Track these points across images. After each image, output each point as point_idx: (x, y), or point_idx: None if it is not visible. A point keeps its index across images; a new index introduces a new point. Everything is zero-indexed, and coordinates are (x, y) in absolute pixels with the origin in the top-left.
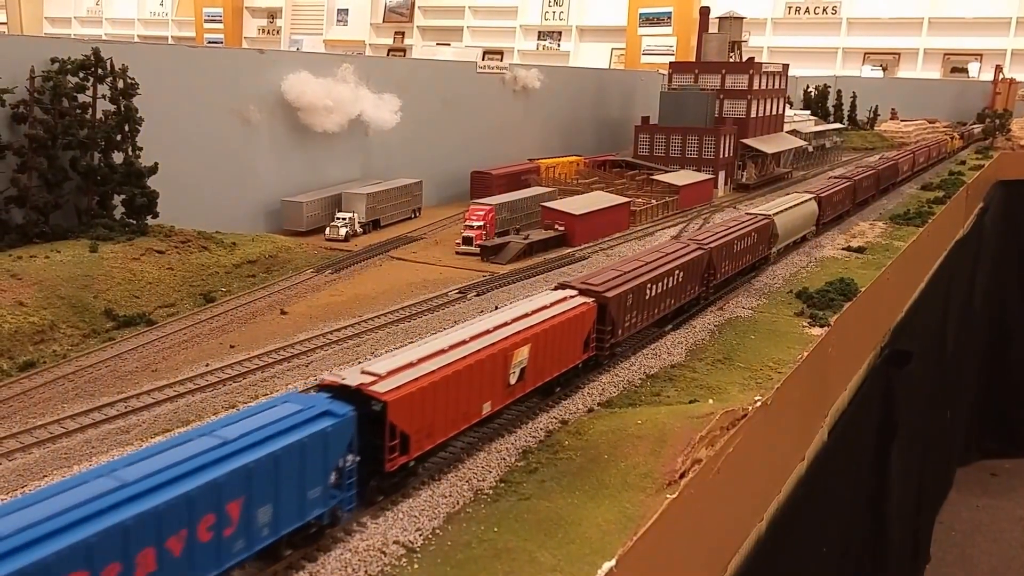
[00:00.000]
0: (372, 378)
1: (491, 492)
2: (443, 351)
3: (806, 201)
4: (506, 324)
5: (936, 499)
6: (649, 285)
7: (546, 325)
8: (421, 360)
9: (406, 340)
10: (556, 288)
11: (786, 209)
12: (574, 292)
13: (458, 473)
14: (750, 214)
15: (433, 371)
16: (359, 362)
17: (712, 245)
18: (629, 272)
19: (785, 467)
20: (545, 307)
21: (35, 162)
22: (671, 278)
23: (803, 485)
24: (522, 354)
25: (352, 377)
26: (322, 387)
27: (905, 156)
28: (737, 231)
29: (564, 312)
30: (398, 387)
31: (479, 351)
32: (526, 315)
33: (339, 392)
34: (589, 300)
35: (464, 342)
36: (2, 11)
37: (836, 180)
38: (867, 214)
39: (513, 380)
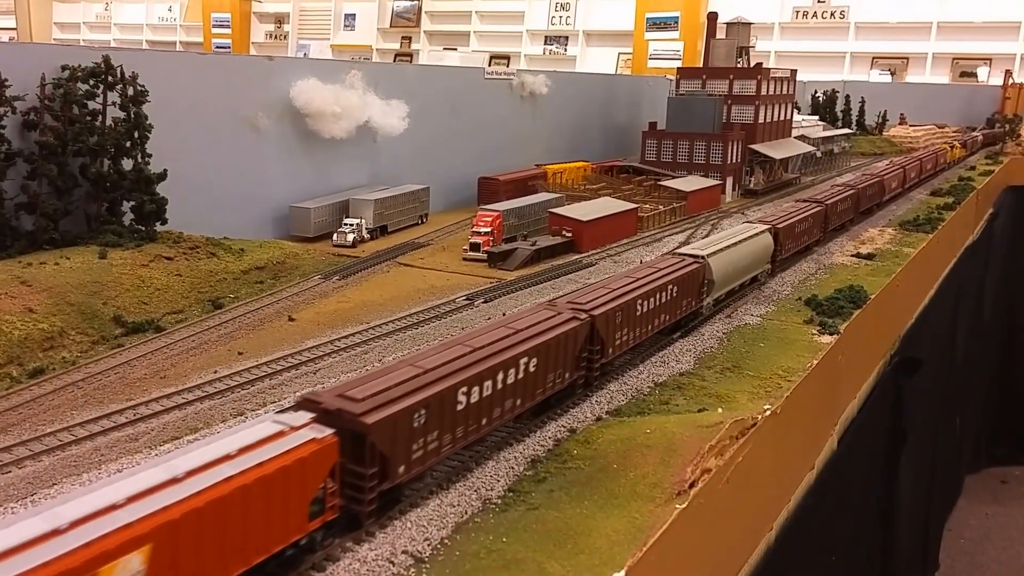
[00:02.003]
0: None
1: (500, 501)
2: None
3: (758, 234)
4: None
5: (945, 506)
6: (463, 390)
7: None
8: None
9: (414, 347)
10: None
11: (727, 247)
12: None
13: (466, 482)
14: (678, 254)
15: None
16: (366, 369)
17: (597, 311)
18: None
19: (795, 476)
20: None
21: (45, 169)
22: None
23: (813, 494)
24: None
25: None
26: None
27: (893, 171)
28: (644, 284)
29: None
30: None
31: None
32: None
33: None
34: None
35: None
36: (12, 17)
37: (802, 205)
38: (876, 220)
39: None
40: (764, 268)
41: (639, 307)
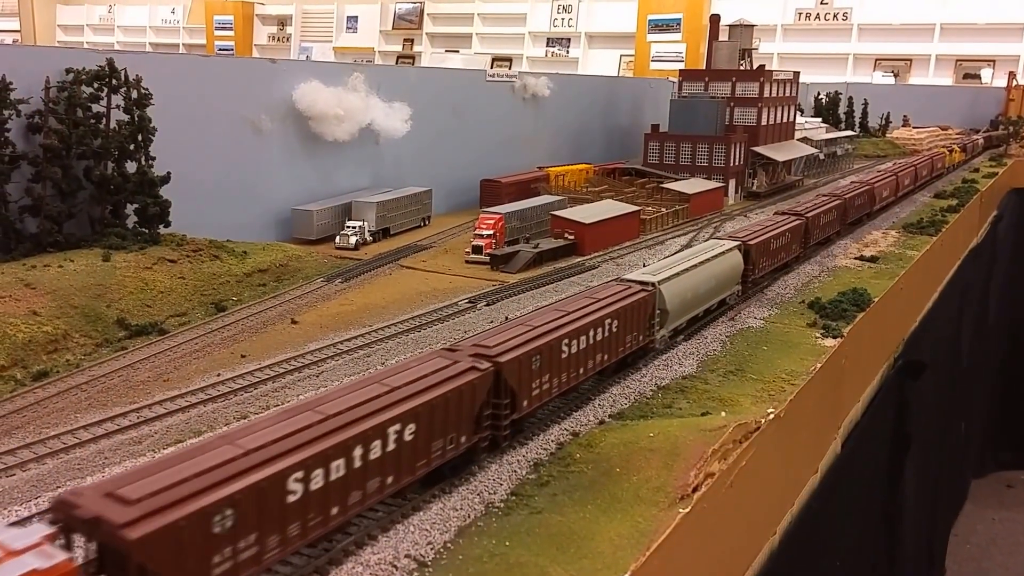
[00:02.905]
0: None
1: (502, 505)
2: None
3: (725, 252)
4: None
5: (951, 511)
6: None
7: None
8: None
9: (416, 349)
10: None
11: (685, 270)
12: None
13: (469, 486)
14: (624, 281)
15: None
16: (368, 372)
17: (506, 356)
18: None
19: (798, 480)
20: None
21: (49, 172)
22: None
23: (817, 498)
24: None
25: None
26: None
27: (885, 178)
28: (574, 320)
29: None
30: None
31: None
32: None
33: None
34: None
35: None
36: (16, 19)
37: (780, 218)
38: (879, 223)
39: None
40: (734, 290)
41: (565, 348)
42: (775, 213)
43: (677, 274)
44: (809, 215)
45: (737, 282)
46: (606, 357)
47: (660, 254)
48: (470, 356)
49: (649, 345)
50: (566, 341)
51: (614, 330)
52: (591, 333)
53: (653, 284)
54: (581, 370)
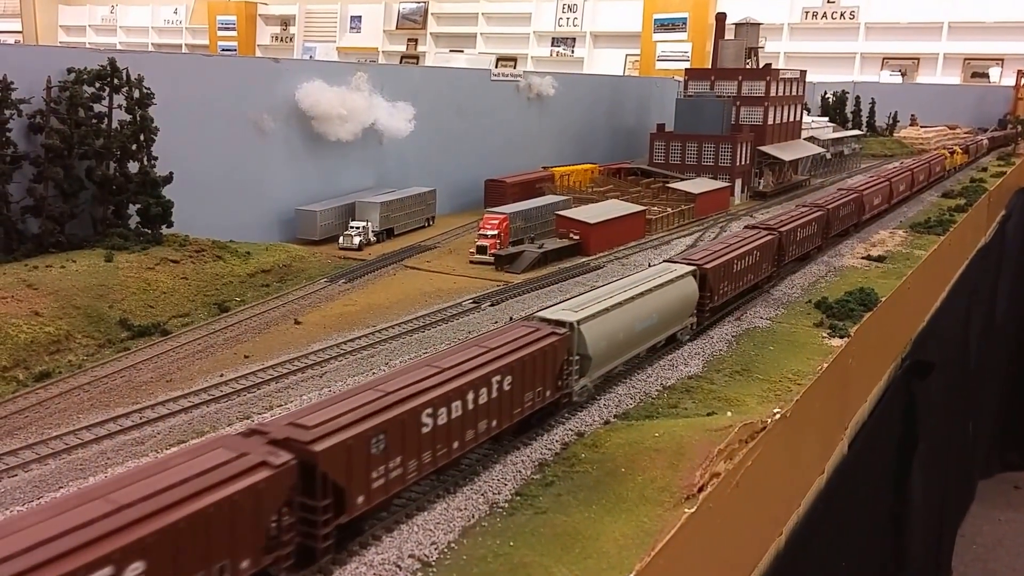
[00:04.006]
0: None
1: (507, 505)
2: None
3: (674, 280)
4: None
5: (958, 512)
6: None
7: None
8: None
9: (420, 351)
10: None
11: (617, 304)
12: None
13: (473, 486)
14: (537, 319)
15: None
16: (373, 373)
17: (324, 443)
18: None
19: (805, 480)
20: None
21: (51, 172)
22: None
23: (823, 499)
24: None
25: None
26: None
27: (877, 185)
28: (443, 381)
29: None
30: None
31: None
32: None
33: None
34: None
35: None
36: (18, 19)
37: (749, 234)
38: (887, 222)
39: None
40: (686, 324)
41: (428, 420)
42: (745, 227)
43: (605, 310)
44: (783, 229)
45: (691, 313)
46: (495, 423)
47: (665, 253)
48: (268, 444)
49: (563, 400)
50: (428, 411)
51: (506, 388)
52: (471, 396)
53: (570, 324)
54: (456, 444)
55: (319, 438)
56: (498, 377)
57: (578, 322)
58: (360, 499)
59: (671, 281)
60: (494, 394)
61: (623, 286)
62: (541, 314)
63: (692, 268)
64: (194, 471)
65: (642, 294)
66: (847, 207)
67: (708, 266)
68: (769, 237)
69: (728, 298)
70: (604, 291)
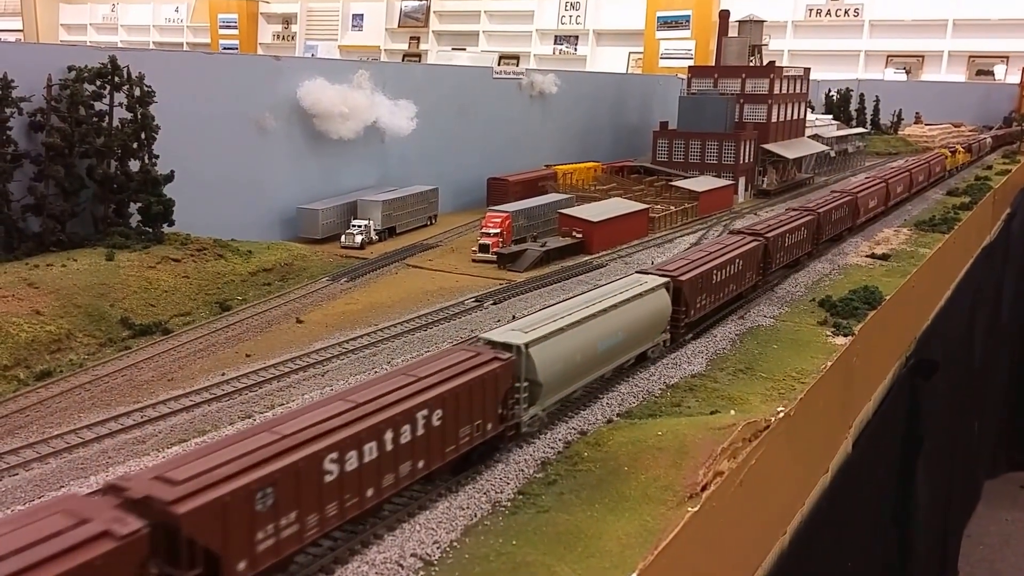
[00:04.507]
0: None
1: (509, 504)
2: None
3: (644, 293)
4: None
5: (964, 512)
6: None
7: None
8: None
9: (423, 349)
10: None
11: (577, 322)
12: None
13: (476, 485)
14: (480, 344)
15: None
16: (375, 372)
17: (188, 504)
18: None
19: (809, 479)
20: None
21: (52, 170)
22: None
23: (827, 498)
24: None
25: None
26: None
27: (873, 186)
28: (362, 418)
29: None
30: None
31: None
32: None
33: None
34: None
35: None
36: (18, 18)
37: (733, 240)
38: (891, 220)
39: None
40: (658, 340)
41: (333, 466)
42: (730, 232)
43: (560, 330)
44: (769, 235)
45: (664, 329)
46: (422, 464)
47: (668, 252)
48: (118, 507)
49: (509, 433)
50: (333, 456)
51: (436, 423)
52: (390, 435)
53: (517, 348)
54: (370, 492)
55: (185, 496)
56: (425, 411)
57: (527, 345)
58: (242, 565)
59: (640, 295)
60: (420, 431)
61: (585, 301)
62: (487, 335)
63: (665, 280)
64: (13, 546)
65: (605, 310)
66: (840, 210)
67: (683, 278)
68: (754, 244)
69: (707, 311)
70: (563, 307)
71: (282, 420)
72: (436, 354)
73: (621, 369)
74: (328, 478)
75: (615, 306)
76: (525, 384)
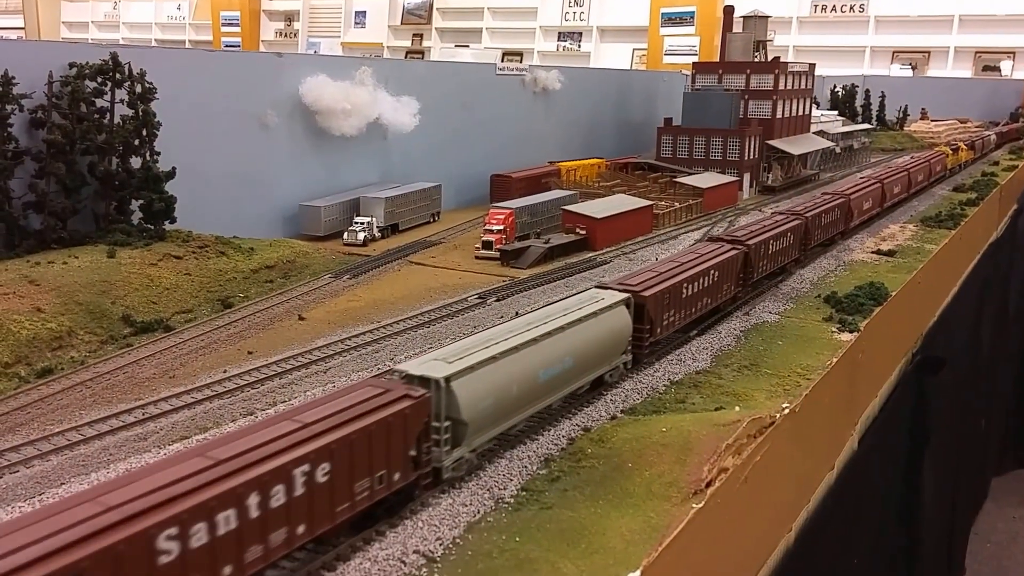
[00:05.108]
0: None
1: (512, 501)
2: None
3: (601, 311)
4: None
5: (971, 509)
6: None
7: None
8: None
9: (426, 346)
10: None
11: (513, 348)
12: None
13: (479, 482)
14: (391, 378)
15: None
16: (377, 368)
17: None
18: None
19: (814, 476)
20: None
21: (53, 167)
22: None
23: (833, 495)
24: None
25: None
26: None
27: (867, 187)
28: (220, 479)
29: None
30: None
31: None
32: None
33: None
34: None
35: None
36: (20, 16)
37: (710, 248)
38: (897, 216)
39: None
40: (616, 364)
41: (171, 544)
42: (709, 239)
43: (493, 358)
44: (751, 243)
45: (624, 350)
46: (303, 529)
47: (672, 248)
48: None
49: (424, 481)
50: (172, 531)
51: (321, 479)
52: (255, 499)
53: (436, 382)
54: (228, 569)
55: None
56: (306, 466)
57: (448, 378)
58: None
59: (595, 314)
60: (299, 491)
61: (527, 323)
62: (403, 367)
63: (625, 296)
64: None
65: (549, 333)
66: (830, 214)
67: (647, 293)
68: (733, 253)
69: (676, 328)
70: (500, 331)
71: (114, 485)
72: (335, 393)
73: (574, 396)
74: (164, 559)
75: (562, 328)
76: (446, 424)
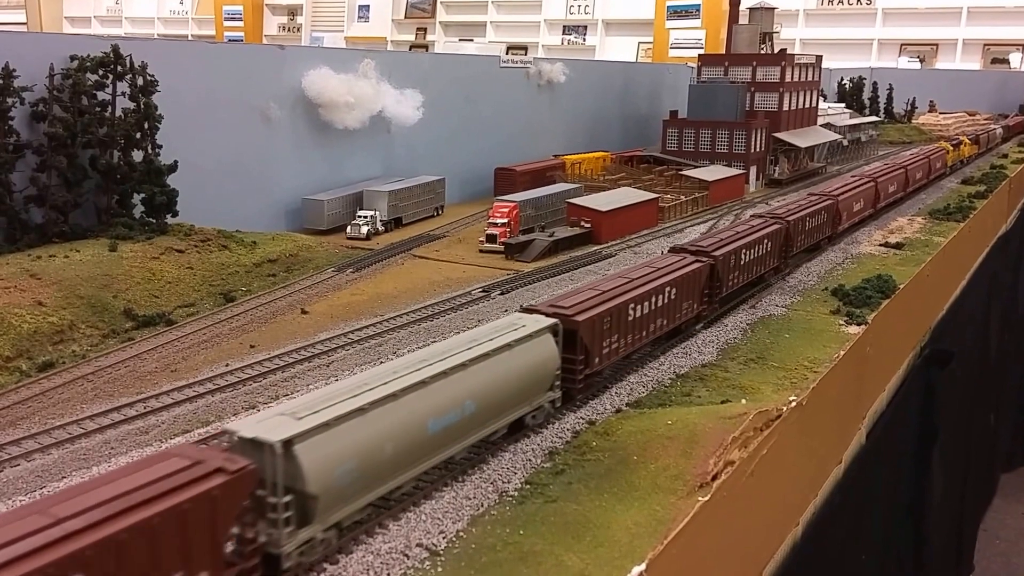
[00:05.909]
0: None
1: (516, 494)
2: None
3: (517, 342)
4: None
5: (980, 505)
6: None
7: None
8: None
9: (428, 340)
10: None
11: (386, 398)
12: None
13: (482, 474)
14: (213, 446)
15: None
16: (380, 362)
17: None
18: None
19: (822, 470)
20: None
21: (54, 161)
22: None
23: (840, 489)
24: None
25: None
26: None
27: (859, 187)
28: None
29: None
30: None
31: None
32: None
33: None
34: None
35: None
36: (22, 11)
37: (668, 262)
38: (905, 209)
39: None
40: (540, 402)
41: None
42: (671, 249)
43: (360, 410)
44: (718, 254)
45: (550, 386)
46: None
47: (677, 241)
48: None
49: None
50: None
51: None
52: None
53: (272, 447)
54: None
55: None
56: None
57: (288, 441)
58: None
59: (507, 346)
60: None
61: (418, 361)
62: (235, 426)
63: (551, 322)
64: None
65: (443, 374)
66: (816, 217)
67: (580, 318)
68: (696, 266)
69: (615, 359)
70: (377, 373)
71: None
72: (128, 466)
73: (487, 443)
74: None
75: (461, 367)
76: (285, 500)
